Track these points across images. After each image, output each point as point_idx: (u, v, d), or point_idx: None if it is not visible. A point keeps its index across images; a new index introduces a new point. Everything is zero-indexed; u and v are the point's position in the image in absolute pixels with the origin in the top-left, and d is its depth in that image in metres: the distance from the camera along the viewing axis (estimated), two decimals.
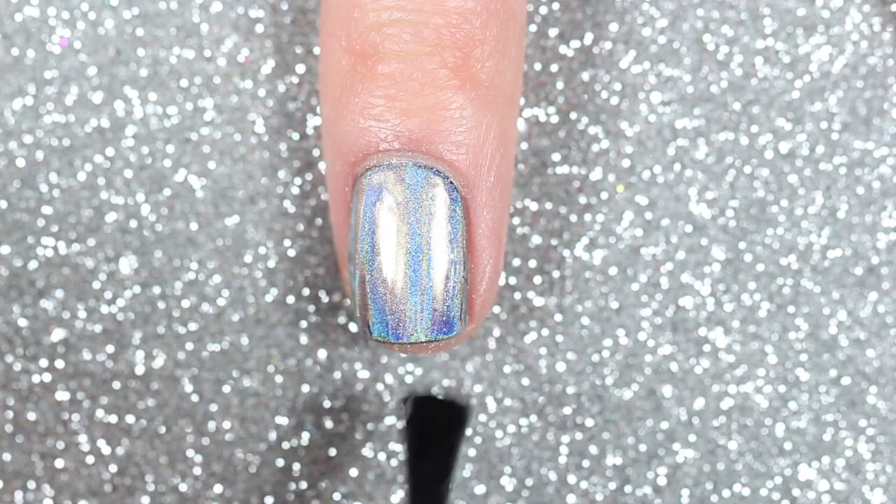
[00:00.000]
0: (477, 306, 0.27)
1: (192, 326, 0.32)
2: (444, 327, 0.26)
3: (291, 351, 0.32)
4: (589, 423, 0.32)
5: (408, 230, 0.26)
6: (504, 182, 0.27)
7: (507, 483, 0.32)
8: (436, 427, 0.27)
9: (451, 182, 0.26)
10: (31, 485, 0.32)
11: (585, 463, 0.32)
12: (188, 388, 0.32)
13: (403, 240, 0.26)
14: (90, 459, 0.32)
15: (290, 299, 0.32)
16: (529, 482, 0.32)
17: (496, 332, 0.32)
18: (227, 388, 0.32)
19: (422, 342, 0.26)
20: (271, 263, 0.31)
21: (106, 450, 0.32)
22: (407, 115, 0.26)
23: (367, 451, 0.32)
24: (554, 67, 0.31)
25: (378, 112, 0.26)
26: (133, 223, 0.31)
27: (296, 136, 0.31)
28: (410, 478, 0.26)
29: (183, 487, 0.32)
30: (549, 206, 0.32)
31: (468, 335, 0.28)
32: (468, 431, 0.32)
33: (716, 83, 0.31)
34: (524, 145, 0.31)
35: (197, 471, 0.32)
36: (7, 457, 0.32)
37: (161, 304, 0.32)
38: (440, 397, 0.28)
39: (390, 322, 0.26)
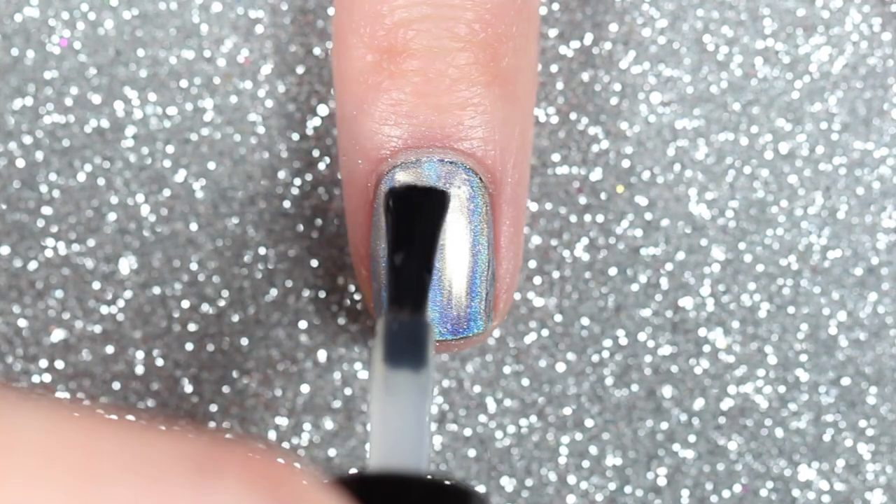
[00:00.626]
0: (501, 303, 0.27)
1: (192, 327, 0.32)
2: (469, 324, 0.26)
3: (291, 351, 0.32)
4: (589, 423, 0.32)
5: None
6: (525, 179, 0.27)
7: (507, 483, 0.32)
8: (416, 215, 0.26)
9: (480, 178, 0.26)
10: None
11: (585, 463, 0.32)
12: (188, 388, 0.32)
13: None
14: None
15: (290, 300, 0.32)
16: (529, 483, 0.32)
17: (496, 332, 0.32)
18: (226, 389, 0.32)
19: (448, 340, 0.26)
20: (271, 264, 0.31)
21: None
22: (438, 111, 0.26)
23: (366, 451, 0.32)
24: (554, 68, 0.31)
25: (408, 109, 0.26)
26: (133, 224, 0.31)
27: (296, 136, 0.31)
28: (392, 271, 0.25)
29: None
30: (548, 206, 0.32)
31: (491, 333, 0.28)
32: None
33: (715, 84, 0.31)
34: None
35: None
36: None
37: (161, 305, 0.32)
38: (420, 186, 0.26)
39: None
